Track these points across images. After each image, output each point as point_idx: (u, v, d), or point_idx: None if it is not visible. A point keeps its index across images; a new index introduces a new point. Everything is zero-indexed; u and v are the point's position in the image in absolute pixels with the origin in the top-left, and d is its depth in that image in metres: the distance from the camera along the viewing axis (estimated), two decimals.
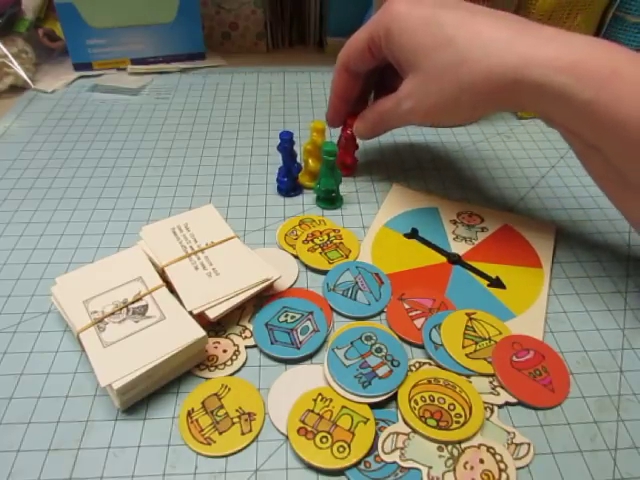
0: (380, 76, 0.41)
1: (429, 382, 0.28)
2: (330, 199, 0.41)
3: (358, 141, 0.43)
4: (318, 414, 0.27)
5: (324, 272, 0.35)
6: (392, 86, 0.37)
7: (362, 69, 0.38)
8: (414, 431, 0.26)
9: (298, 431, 0.26)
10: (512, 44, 0.29)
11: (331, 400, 0.27)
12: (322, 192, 0.40)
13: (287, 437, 0.26)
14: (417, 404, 0.27)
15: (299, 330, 0.31)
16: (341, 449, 0.25)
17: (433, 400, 0.27)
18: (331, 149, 0.37)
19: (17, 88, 0.56)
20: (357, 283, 0.34)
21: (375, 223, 0.39)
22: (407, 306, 0.33)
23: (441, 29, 0.32)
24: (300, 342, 0.30)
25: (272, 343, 0.30)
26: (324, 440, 0.26)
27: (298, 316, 0.32)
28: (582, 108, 0.28)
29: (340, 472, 0.25)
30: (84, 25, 0.56)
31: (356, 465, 0.25)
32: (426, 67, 0.32)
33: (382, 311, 0.33)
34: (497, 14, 0.32)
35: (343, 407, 0.27)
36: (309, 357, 0.30)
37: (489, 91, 0.31)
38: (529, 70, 0.29)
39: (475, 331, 0.31)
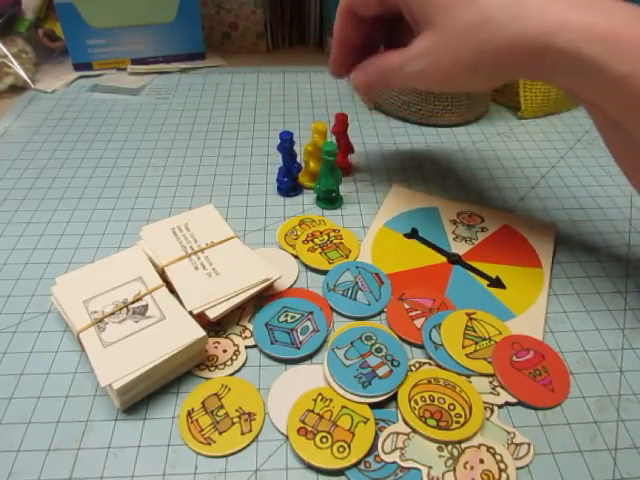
0: (389, 29, 0.38)
1: (429, 382, 0.28)
2: (330, 199, 0.41)
3: (354, 142, 0.43)
4: (318, 414, 0.27)
5: (324, 272, 0.35)
6: (402, 42, 0.33)
7: (369, 14, 0.35)
8: (414, 431, 0.26)
9: (298, 431, 0.26)
10: (541, 7, 0.26)
11: (331, 400, 0.27)
12: (322, 192, 0.40)
13: (287, 437, 0.26)
14: (417, 404, 0.27)
15: (299, 330, 0.31)
16: (341, 449, 0.25)
17: (433, 400, 0.27)
18: (331, 149, 0.37)
19: (17, 88, 0.56)
20: (357, 283, 0.34)
21: (375, 223, 0.39)
22: (407, 306, 0.33)
23: None
24: (300, 342, 0.30)
25: (272, 343, 0.30)
26: (324, 440, 0.26)
27: (298, 316, 0.32)
28: (614, 82, 0.25)
29: (340, 472, 0.25)
30: (84, 25, 0.56)
31: (356, 465, 0.25)
32: (444, 24, 0.29)
33: (382, 311, 0.33)
34: None
35: (343, 407, 0.27)
36: (309, 357, 0.30)
37: (512, 58, 0.28)
38: (559, 38, 0.26)
39: (475, 331, 0.31)
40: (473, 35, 0.28)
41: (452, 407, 0.27)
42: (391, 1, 0.33)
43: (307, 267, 0.36)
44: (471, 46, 0.29)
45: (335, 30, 0.37)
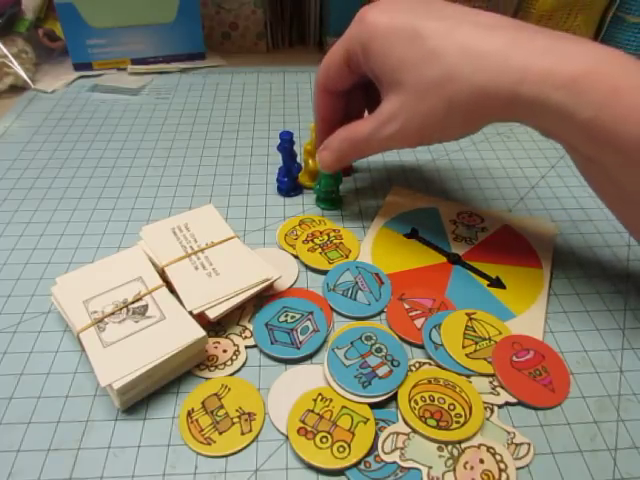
0: (368, 94, 0.37)
1: (429, 382, 0.28)
2: (330, 200, 0.41)
3: None
4: (318, 414, 0.27)
5: (324, 272, 0.35)
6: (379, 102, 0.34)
7: (343, 87, 0.35)
8: (414, 431, 0.26)
9: (298, 431, 0.26)
10: (504, 57, 0.27)
11: (331, 400, 0.27)
12: (322, 193, 0.40)
13: (287, 437, 0.26)
14: (417, 404, 0.27)
15: (299, 330, 0.31)
16: (341, 449, 0.25)
17: (433, 400, 0.27)
18: None
19: (17, 88, 0.56)
20: (357, 283, 0.34)
21: (375, 223, 0.39)
22: (407, 306, 0.33)
23: (425, 42, 0.29)
24: (300, 342, 0.30)
25: (272, 343, 0.30)
26: (324, 440, 0.26)
27: (298, 316, 0.32)
28: (581, 126, 0.26)
29: (340, 472, 0.25)
30: (84, 25, 0.56)
31: (356, 465, 0.25)
32: (410, 84, 0.29)
33: (382, 311, 0.33)
34: (486, 20, 0.29)
35: (343, 407, 0.27)
36: (309, 357, 0.30)
37: (483, 108, 0.28)
38: (524, 87, 0.26)
39: (475, 331, 0.31)
40: (440, 90, 0.29)
41: (452, 407, 0.27)
42: (360, 70, 0.33)
43: (307, 267, 0.36)
44: (440, 101, 0.29)
45: (315, 109, 0.37)
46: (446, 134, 0.32)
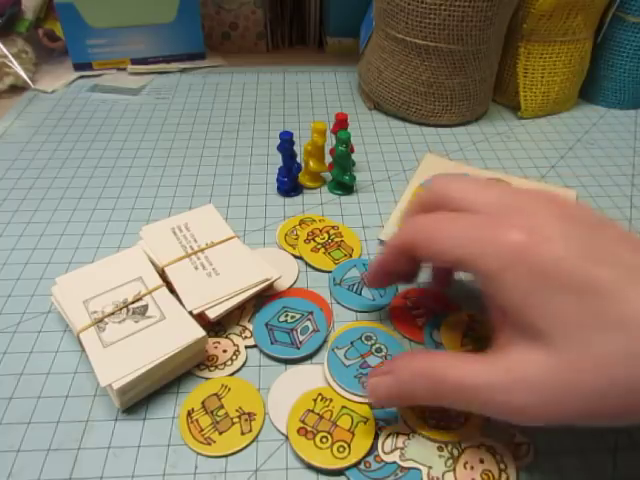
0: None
1: None
2: (344, 185, 0.42)
3: (354, 142, 0.43)
4: (318, 414, 0.27)
5: (329, 272, 0.35)
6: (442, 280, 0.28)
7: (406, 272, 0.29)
8: (414, 431, 0.26)
9: (298, 431, 0.26)
10: None
11: (331, 400, 0.27)
12: (343, 178, 0.42)
13: (287, 437, 0.26)
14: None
15: (299, 330, 0.31)
16: (341, 449, 0.25)
17: None
18: (345, 137, 0.39)
19: (17, 88, 0.56)
20: (363, 279, 0.34)
21: (407, 191, 0.41)
22: (410, 304, 0.33)
23: (601, 301, 0.20)
24: (300, 342, 0.30)
25: (272, 343, 0.30)
26: (324, 440, 0.26)
27: (298, 316, 0.32)
28: None
29: (340, 472, 0.25)
30: (84, 25, 0.56)
31: (356, 465, 0.25)
32: (570, 349, 0.21)
33: (385, 306, 0.33)
34: None
35: (343, 407, 0.27)
36: (309, 357, 0.30)
37: None
38: None
39: (475, 332, 0.31)
40: (620, 370, 0.20)
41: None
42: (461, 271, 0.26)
43: (313, 268, 0.36)
44: (613, 383, 0.20)
45: (379, 259, 0.29)
46: (594, 422, 0.22)
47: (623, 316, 0.20)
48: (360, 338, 0.30)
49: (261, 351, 0.30)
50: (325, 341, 0.31)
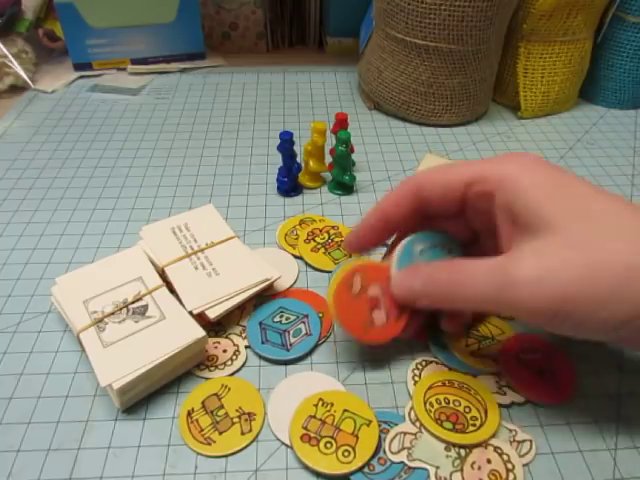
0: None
1: (443, 384, 0.28)
2: (344, 185, 0.42)
3: (354, 142, 0.43)
4: (320, 419, 0.27)
5: (329, 272, 0.35)
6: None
7: (436, 205, 0.28)
8: (431, 434, 0.26)
9: (301, 438, 0.26)
10: None
11: (332, 404, 0.27)
12: (342, 178, 0.41)
13: (291, 446, 0.26)
14: (432, 406, 0.27)
15: (291, 332, 0.31)
16: (346, 453, 0.25)
17: (448, 402, 0.27)
18: (345, 137, 0.39)
19: (17, 88, 0.56)
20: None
21: None
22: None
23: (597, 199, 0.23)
24: (290, 344, 0.30)
25: (263, 342, 0.30)
26: (328, 445, 0.25)
27: (293, 318, 0.32)
28: None
29: (345, 477, 0.25)
30: (84, 25, 0.56)
31: (362, 469, 0.25)
32: (575, 231, 0.23)
33: None
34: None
35: (345, 410, 0.27)
36: (298, 360, 0.30)
37: None
38: None
39: (479, 330, 0.31)
40: (619, 248, 0.22)
41: (468, 410, 0.27)
42: (475, 207, 0.26)
43: (313, 268, 0.36)
44: (613, 260, 0.21)
45: (382, 201, 0.29)
46: (596, 320, 0.22)
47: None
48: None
49: (252, 350, 0.30)
50: (316, 345, 0.30)
